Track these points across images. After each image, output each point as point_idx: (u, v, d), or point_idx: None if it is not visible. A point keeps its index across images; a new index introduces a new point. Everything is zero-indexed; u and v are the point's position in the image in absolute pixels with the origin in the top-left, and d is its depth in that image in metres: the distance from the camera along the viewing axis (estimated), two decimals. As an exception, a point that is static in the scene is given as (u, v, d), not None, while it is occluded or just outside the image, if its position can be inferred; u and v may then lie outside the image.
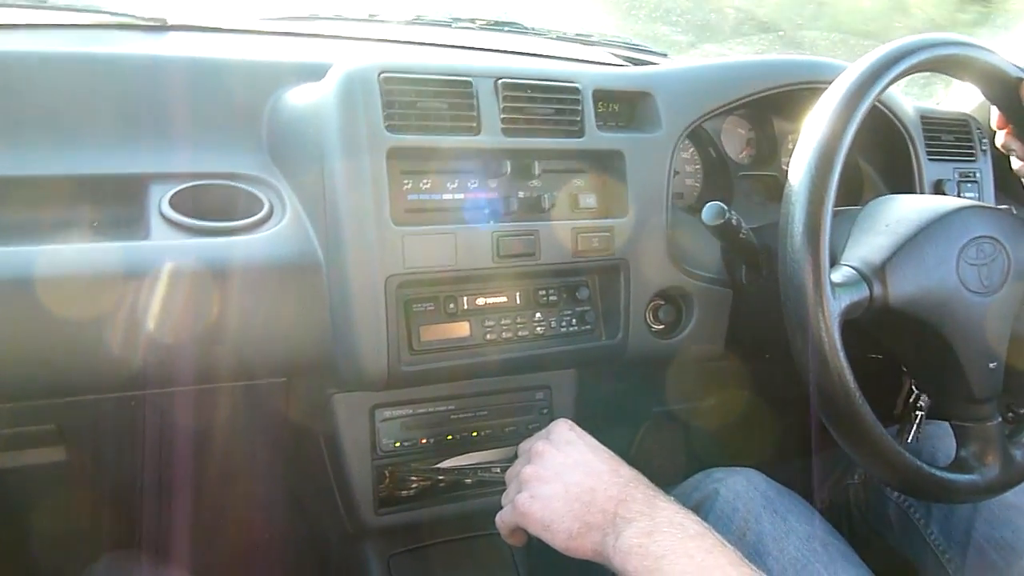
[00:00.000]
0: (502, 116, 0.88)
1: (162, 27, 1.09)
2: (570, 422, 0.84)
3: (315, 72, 0.94)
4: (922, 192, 1.20)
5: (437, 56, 1.16)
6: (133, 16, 1.07)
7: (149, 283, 0.78)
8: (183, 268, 0.79)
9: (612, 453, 0.80)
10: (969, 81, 0.89)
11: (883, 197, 0.94)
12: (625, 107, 1.00)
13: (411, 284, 0.86)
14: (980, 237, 0.84)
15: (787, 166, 1.21)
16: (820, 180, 0.77)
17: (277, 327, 0.85)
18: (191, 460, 1.02)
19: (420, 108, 0.85)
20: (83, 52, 0.93)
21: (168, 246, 0.80)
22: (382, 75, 0.83)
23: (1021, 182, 0.96)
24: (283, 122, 0.94)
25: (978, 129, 1.27)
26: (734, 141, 1.19)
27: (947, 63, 0.85)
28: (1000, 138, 0.92)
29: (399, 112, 0.84)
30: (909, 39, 0.83)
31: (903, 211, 0.88)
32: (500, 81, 0.89)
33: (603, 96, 0.97)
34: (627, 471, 0.76)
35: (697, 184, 1.17)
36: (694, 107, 1.01)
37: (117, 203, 0.86)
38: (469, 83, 0.87)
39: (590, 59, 1.31)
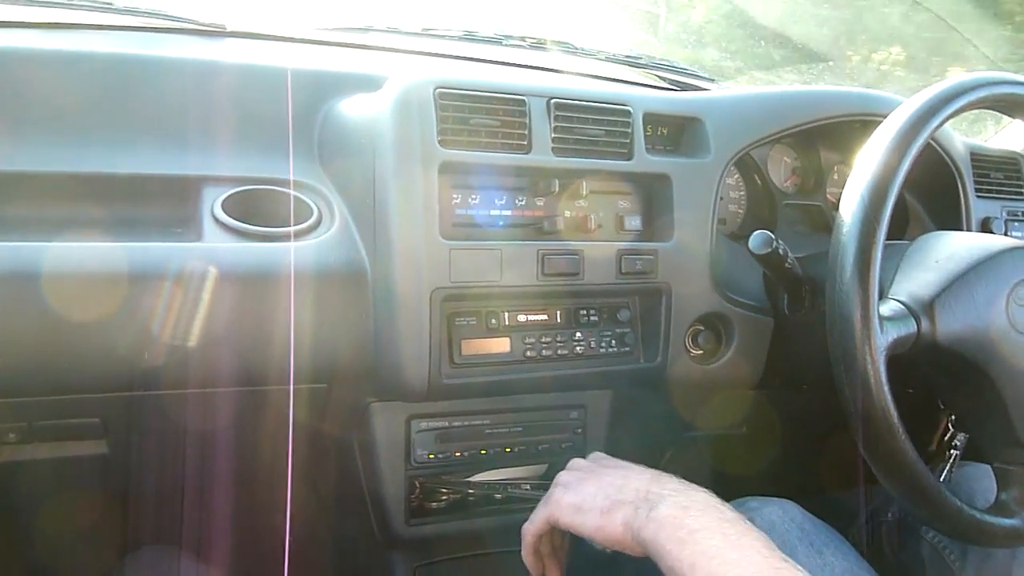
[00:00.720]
0: (553, 135, 0.89)
1: (220, 33, 1.11)
2: (604, 455, 0.85)
3: (368, 83, 0.95)
4: (969, 229, 1.19)
5: (490, 73, 1.17)
6: (193, 21, 1.09)
7: (200, 284, 0.80)
8: (234, 271, 0.80)
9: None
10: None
11: (933, 232, 0.93)
12: (674, 131, 1.01)
13: (455, 297, 0.86)
14: None
15: (832, 196, 1.21)
16: (872, 214, 0.77)
17: (322, 333, 0.85)
18: (229, 461, 1.03)
19: (473, 124, 0.86)
20: (144, 55, 0.95)
21: (220, 248, 0.82)
22: (438, 90, 0.84)
23: None
24: (335, 131, 0.95)
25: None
26: (780, 169, 1.19)
27: (1004, 102, 0.85)
28: None
29: (452, 127, 0.85)
30: (966, 76, 0.82)
31: (953, 248, 0.87)
32: (552, 100, 0.89)
33: (653, 119, 0.98)
34: (649, 473, 0.78)
35: (741, 211, 1.16)
36: (743, 135, 1.01)
37: (172, 204, 0.88)
38: (522, 101, 0.88)
39: (639, 81, 1.31)
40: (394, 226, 0.84)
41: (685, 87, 1.31)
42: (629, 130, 0.93)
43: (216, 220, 0.85)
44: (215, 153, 0.92)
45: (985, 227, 1.21)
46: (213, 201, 0.87)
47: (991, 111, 0.96)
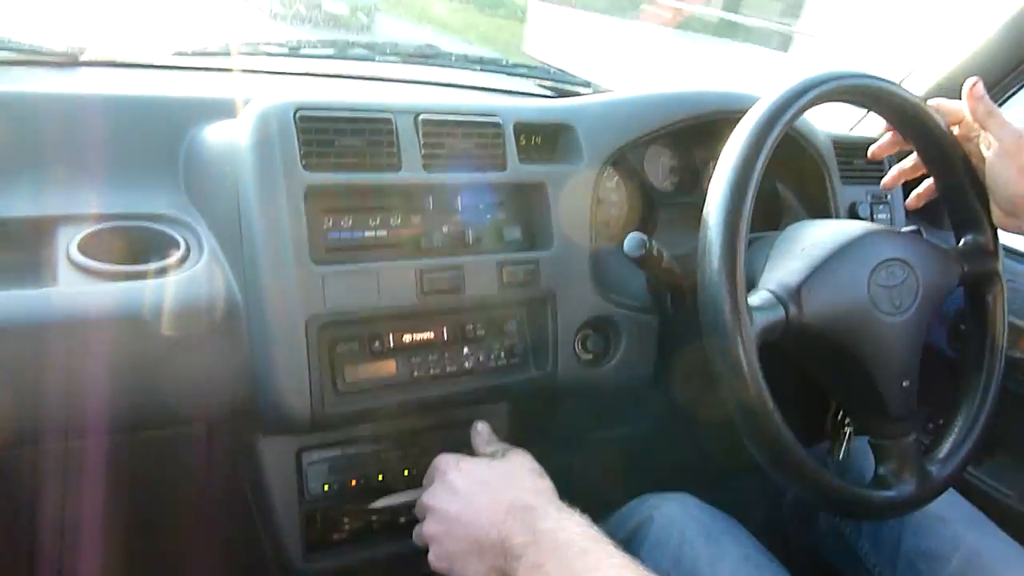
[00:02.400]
0: (423, 152, 0.88)
1: (73, 63, 1.05)
2: (451, 459, 0.85)
3: (233, 108, 0.92)
4: (838, 215, 1.24)
5: (357, 91, 1.15)
6: (44, 52, 1.03)
7: (56, 332, 0.75)
8: (91, 315, 0.76)
9: (488, 465, 0.83)
10: (874, 109, 0.93)
11: (799, 223, 0.97)
12: (547, 139, 1.01)
13: (334, 324, 0.84)
14: (890, 260, 0.87)
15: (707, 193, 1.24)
16: (734, 207, 0.78)
17: (196, 372, 0.82)
18: (112, 509, 0.97)
19: (339, 146, 0.84)
20: None
21: (75, 292, 0.77)
22: (298, 113, 0.82)
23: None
24: (200, 160, 0.92)
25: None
26: (657, 169, 1.21)
27: (852, 93, 0.89)
28: (894, 173, 0.96)
29: (317, 150, 0.83)
30: (816, 72, 0.86)
31: (817, 235, 0.90)
32: (420, 117, 0.88)
33: (525, 129, 0.98)
34: (506, 495, 0.78)
35: (622, 213, 1.18)
36: (614, 138, 1.02)
37: (22, 248, 0.83)
38: (389, 119, 0.87)
39: (514, 89, 1.32)
40: (263, 255, 0.81)
41: (561, 92, 1.33)
42: (500, 141, 0.93)
43: (71, 262, 0.80)
44: (72, 191, 0.88)
45: (853, 211, 1.26)
46: (68, 242, 0.82)
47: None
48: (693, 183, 1.24)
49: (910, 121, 0.91)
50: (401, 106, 0.89)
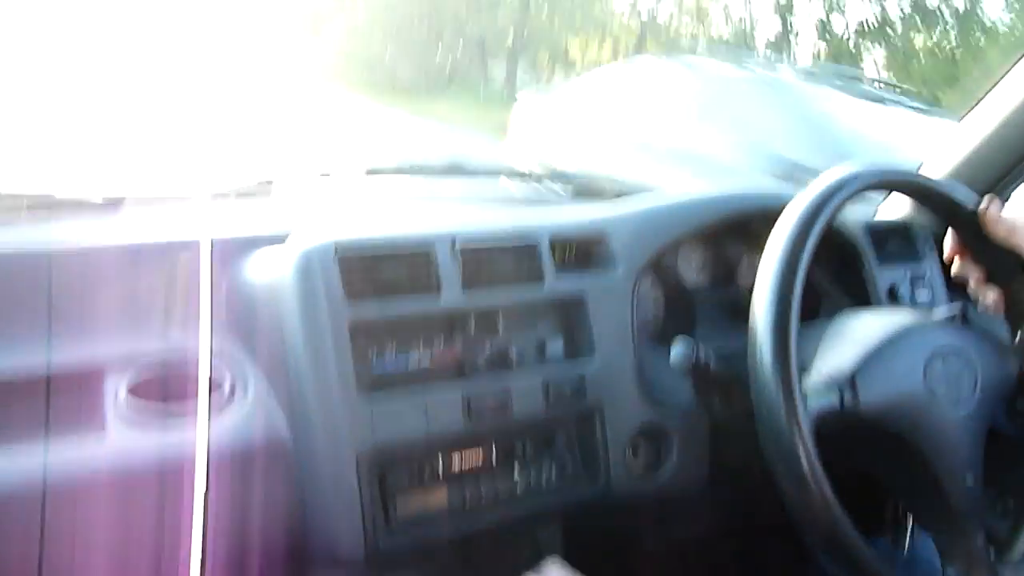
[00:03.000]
0: (462, 277, 0.89)
1: (118, 204, 1.08)
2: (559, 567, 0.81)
3: (272, 240, 0.94)
4: (878, 299, 1.22)
5: (392, 212, 1.17)
6: (89, 198, 1.06)
7: (108, 480, 0.75)
8: (143, 462, 0.76)
9: None
10: (921, 204, 0.93)
11: (847, 312, 0.96)
12: (582, 250, 1.02)
13: (383, 455, 0.83)
14: (947, 352, 0.86)
15: (744, 284, 1.23)
16: (783, 300, 0.79)
17: (244, 513, 0.81)
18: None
19: (380, 279, 0.85)
20: (36, 244, 0.92)
21: (125, 439, 0.78)
22: (339, 252, 0.84)
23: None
24: (242, 296, 0.93)
25: (920, 231, 1.31)
26: (690, 265, 1.21)
27: (894, 187, 0.89)
28: (956, 267, 0.94)
29: (359, 286, 0.84)
30: (852, 167, 0.86)
31: (868, 324, 0.89)
32: (458, 244, 0.90)
33: (559, 242, 0.99)
34: None
35: (660, 312, 1.17)
36: (649, 245, 1.03)
37: (73, 398, 0.84)
38: (428, 249, 0.88)
39: (540, 197, 1.34)
40: (310, 392, 0.81)
41: (589, 192, 1.35)
42: (537, 259, 0.94)
43: (120, 408, 0.81)
44: (119, 335, 0.89)
45: (892, 294, 1.24)
46: (117, 388, 0.83)
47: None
48: (727, 278, 1.24)
49: (961, 223, 0.90)
50: (438, 233, 0.90)
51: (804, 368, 0.85)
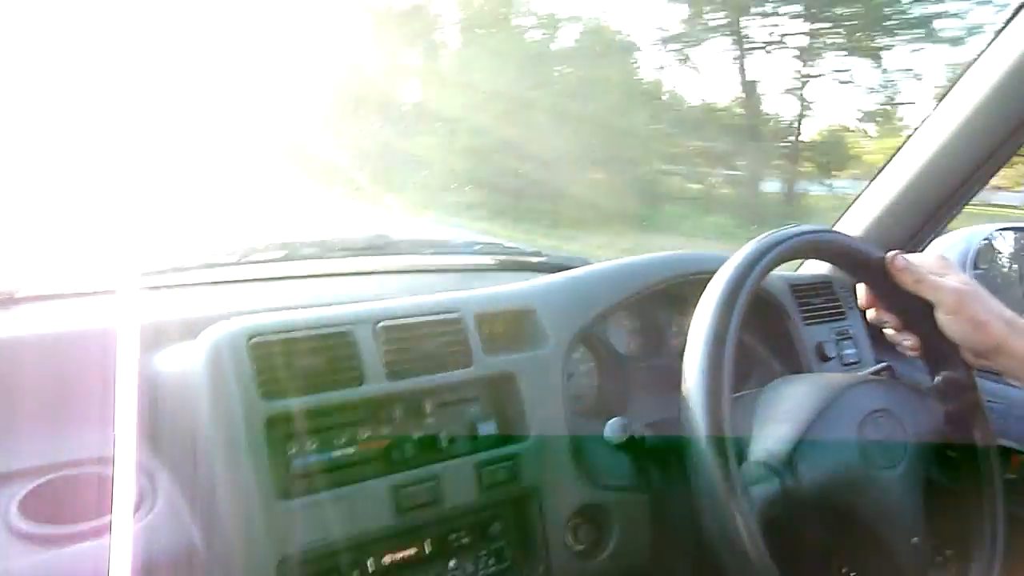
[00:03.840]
0: (385, 360, 0.85)
1: (9, 301, 1.01)
2: None
3: (183, 329, 0.89)
4: (805, 358, 1.23)
5: (309, 294, 1.13)
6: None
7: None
8: None
9: None
10: (835, 263, 0.95)
11: (778, 381, 0.95)
12: (509, 325, 0.99)
13: (307, 560, 0.77)
14: (875, 412, 0.86)
15: (675, 349, 1.23)
16: (714, 377, 0.77)
17: None
18: None
19: (297, 368, 0.80)
20: None
21: (16, 567, 0.70)
22: (252, 340, 0.79)
23: None
24: (151, 393, 0.87)
25: (842, 288, 1.34)
26: (620, 333, 1.20)
27: (813, 249, 0.90)
28: (871, 315, 0.96)
29: (274, 377, 0.79)
30: (777, 231, 0.87)
31: (798, 394, 0.89)
32: (379, 325, 0.86)
33: (486, 319, 0.96)
34: None
35: (592, 383, 1.16)
36: (578, 316, 1.01)
37: None
38: (346, 333, 0.84)
39: (467, 265, 1.32)
40: (224, 498, 0.75)
41: (517, 265, 1.33)
42: (463, 336, 0.91)
43: (11, 528, 0.73)
44: (11, 443, 0.81)
45: (819, 351, 1.26)
46: (8, 504, 0.75)
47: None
48: (658, 343, 1.23)
49: (872, 275, 0.91)
50: (358, 315, 0.87)
51: (741, 446, 0.84)
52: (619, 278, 1.08)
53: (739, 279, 0.82)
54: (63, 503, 0.77)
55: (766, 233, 0.87)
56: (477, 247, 1.35)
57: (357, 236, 1.25)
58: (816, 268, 1.41)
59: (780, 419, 0.86)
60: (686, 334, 1.24)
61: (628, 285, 1.07)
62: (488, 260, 1.34)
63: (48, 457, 0.81)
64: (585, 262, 1.39)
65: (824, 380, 0.92)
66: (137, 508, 0.78)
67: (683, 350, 1.22)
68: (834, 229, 0.94)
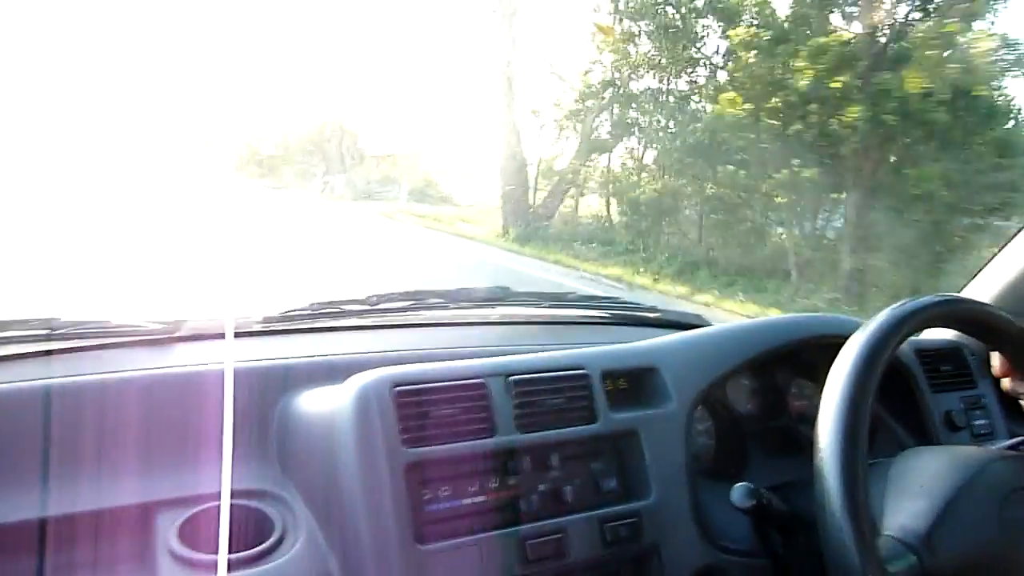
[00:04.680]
0: (515, 412, 0.88)
1: (167, 340, 1.10)
2: None
3: (323, 371, 0.95)
4: (933, 426, 1.19)
5: (441, 340, 1.17)
6: (138, 331, 1.08)
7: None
8: None
9: None
10: (970, 333, 0.92)
11: (908, 452, 0.93)
12: (633, 382, 1.01)
13: None
14: (1018, 489, 0.83)
15: (796, 411, 1.21)
16: (851, 449, 0.77)
17: None
18: None
19: (435, 417, 0.85)
20: (84, 379, 0.92)
21: None
22: (396, 389, 0.84)
23: None
24: (294, 432, 0.92)
25: (972, 355, 1.29)
26: (740, 394, 1.20)
27: (950, 318, 0.89)
28: (1006, 384, 0.93)
29: (415, 424, 0.83)
30: (913, 300, 0.86)
31: (936, 468, 0.87)
32: (511, 378, 0.89)
33: (610, 375, 0.98)
34: None
35: (711, 442, 1.15)
36: (702, 376, 1.02)
37: (125, 538, 0.82)
38: (481, 385, 0.88)
39: (584, 318, 1.35)
40: (366, 538, 0.79)
41: (632, 320, 1.35)
42: (589, 393, 0.93)
43: (171, 553, 0.79)
44: (170, 473, 0.88)
45: (948, 420, 1.22)
46: (168, 529, 0.82)
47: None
48: (777, 404, 1.22)
49: (1009, 345, 0.89)
50: (492, 368, 0.91)
51: (874, 521, 0.82)
52: (744, 340, 1.08)
53: (876, 348, 0.81)
54: (220, 532, 0.83)
55: (901, 301, 0.87)
56: (593, 301, 1.38)
57: (480, 288, 1.30)
58: (944, 333, 1.37)
59: (916, 494, 0.84)
60: (807, 396, 1.23)
61: (753, 347, 1.07)
62: (604, 314, 1.36)
63: (207, 487, 0.88)
64: (699, 318, 1.40)
65: (961, 454, 0.89)
66: (281, 541, 0.83)
67: (803, 413, 1.21)
68: (969, 297, 0.92)
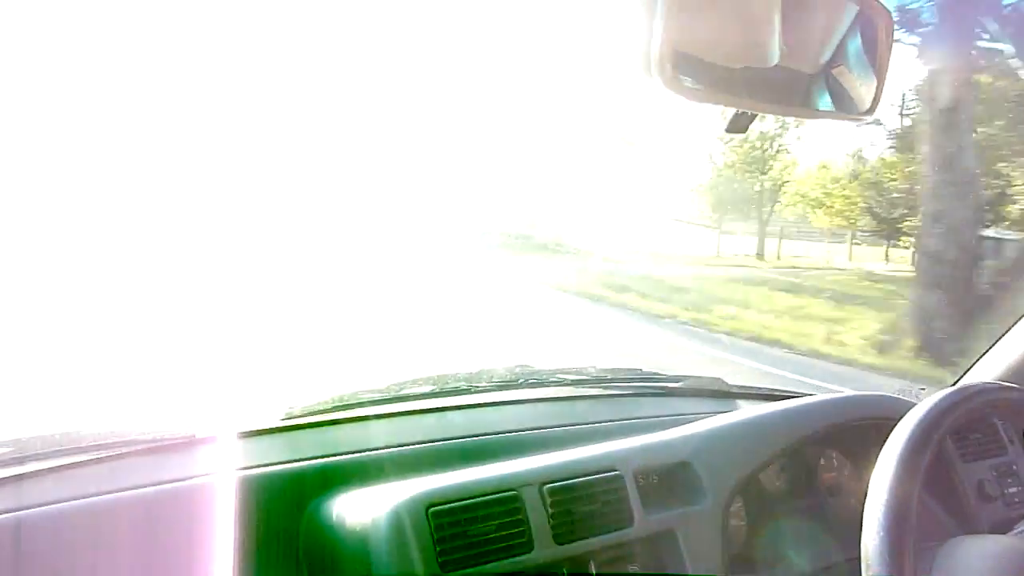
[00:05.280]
0: (552, 523, 0.87)
1: (190, 443, 1.08)
2: None
3: (351, 471, 0.93)
4: (965, 496, 1.18)
5: (465, 426, 1.15)
6: (161, 438, 1.05)
7: None
8: None
9: None
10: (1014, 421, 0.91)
11: (954, 542, 0.91)
12: (665, 478, 1.00)
13: None
14: None
15: (826, 485, 1.20)
16: (900, 545, 0.76)
17: None
18: None
19: (471, 535, 0.83)
20: (104, 499, 0.90)
21: None
22: (431, 510, 0.82)
23: None
24: (324, 542, 0.91)
25: (1001, 421, 1.28)
26: (775, 478, 1.18)
27: (997, 406, 0.88)
28: None
29: (452, 547, 0.82)
30: (964, 388, 0.85)
31: (986, 561, 0.85)
32: (545, 488, 0.88)
33: (643, 473, 0.97)
34: None
35: (742, 523, 1.13)
36: (736, 469, 1.01)
37: None
38: (515, 497, 0.86)
39: (607, 393, 1.33)
40: None
41: (654, 391, 1.34)
42: (624, 495, 0.92)
43: None
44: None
45: (981, 490, 1.20)
46: None
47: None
48: (807, 478, 1.20)
49: None
50: (524, 475, 0.89)
51: None
52: (781, 427, 1.07)
53: (925, 437, 0.80)
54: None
55: (951, 389, 0.86)
56: (612, 373, 1.37)
57: (501, 369, 1.29)
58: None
59: None
60: (836, 468, 1.21)
61: (790, 435, 1.06)
62: (625, 387, 1.35)
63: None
64: (723, 384, 1.39)
65: (1006, 546, 0.88)
66: None
67: (834, 485, 1.19)
68: (1010, 384, 0.90)
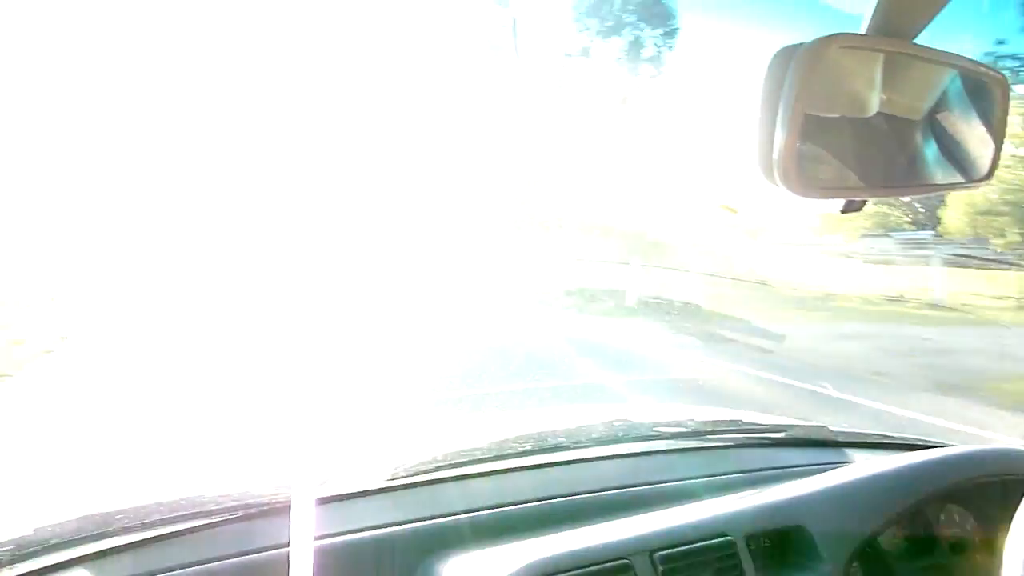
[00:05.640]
0: None
1: (286, 508, 1.07)
2: None
3: (458, 532, 0.93)
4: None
5: (565, 484, 1.14)
6: (256, 504, 1.04)
7: None
8: None
9: None
10: None
11: None
12: (781, 543, 0.97)
13: None
14: None
15: (947, 545, 1.14)
16: None
17: None
18: None
19: None
20: (203, 569, 0.92)
21: None
22: None
23: None
24: None
25: None
26: (892, 537, 1.13)
27: None
28: None
29: None
30: None
31: None
32: (656, 555, 0.87)
33: (756, 537, 0.94)
34: None
35: (859, 580, 1.09)
36: (853, 533, 0.97)
37: None
38: (627, 567, 0.85)
39: (709, 444, 1.31)
40: None
41: (757, 442, 1.30)
42: (737, 562, 0.90)
43: None
44: None
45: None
46: None
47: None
48: (926, 538, 1.15)
49: None
50: (634, 542, 0.88)
51: None
52: (899, 485, 1.02)
53: None
54: None
55: None
56: (712, 425, 1.34)
57: (598, 423, 1.28)
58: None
59: None
60: (959, 524, 1.15)
61: (910, 493, 1.01)
62: (726, 439, 1.32)
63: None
64: (828, 432, 1.34)
65: None
66: None
67: (957, 543, 1.13)
68: None
